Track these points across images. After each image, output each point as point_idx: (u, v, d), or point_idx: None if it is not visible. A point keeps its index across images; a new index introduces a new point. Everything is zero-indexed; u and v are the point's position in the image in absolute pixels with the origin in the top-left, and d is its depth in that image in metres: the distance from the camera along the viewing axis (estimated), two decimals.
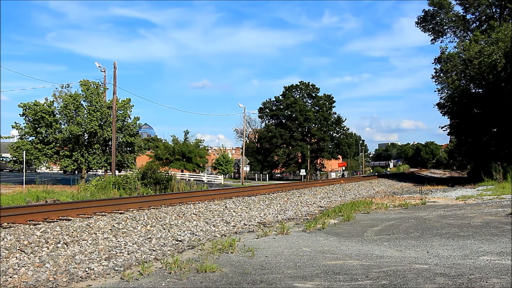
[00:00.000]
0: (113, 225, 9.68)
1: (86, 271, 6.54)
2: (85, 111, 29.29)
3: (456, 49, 38.83)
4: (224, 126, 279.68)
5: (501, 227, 9.83)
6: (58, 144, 29.33)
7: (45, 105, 28.91)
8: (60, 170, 33.12)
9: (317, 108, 69.67)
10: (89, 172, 32.12)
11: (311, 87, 70.55)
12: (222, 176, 53.77)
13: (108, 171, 29.07)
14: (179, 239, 9.39)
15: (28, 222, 9.49)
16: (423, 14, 43.82)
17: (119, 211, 11.69)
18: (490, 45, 29.88)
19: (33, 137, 29.08)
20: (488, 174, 26.65)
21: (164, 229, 10.22)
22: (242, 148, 54.06)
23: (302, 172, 58.31)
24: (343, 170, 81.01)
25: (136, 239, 8.92)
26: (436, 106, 40.57)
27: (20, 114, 28.71)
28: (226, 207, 14.13)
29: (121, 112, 30.57)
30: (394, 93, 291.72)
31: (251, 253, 7.45)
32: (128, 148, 32.09)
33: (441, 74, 40.71)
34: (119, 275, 6.25)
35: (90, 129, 28.54)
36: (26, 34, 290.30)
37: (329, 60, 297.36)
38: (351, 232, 10.07)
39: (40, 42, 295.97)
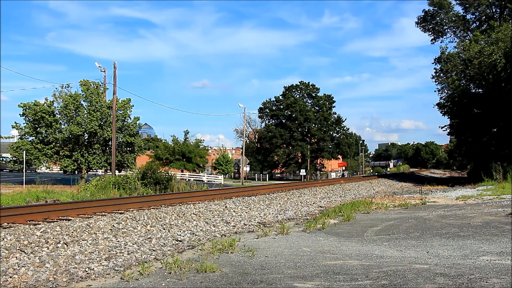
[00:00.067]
0: (113, 225, 9.68)
1: (86, 271, 6.54)
2: (85, 111, 29.29)
3: (456, 49, 38.89)
4: (224, 126, 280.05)
5: (501, 227, 9.83)
6: (58, 144, 29.33)
7: (45, 105, 28.91)
8: (60, 170, 33.13)
9: (317, 108, 69.68)
10: (89, 172, 32.13)
11: (311, 87, 70.56)
12: (222, 176, 53.77)
13: (108, 171, 29.07)
14: (179, 239, 9.39)
15: (28, 222, 9.49)
16: (423, 14, 43.84)
17: (119, 211, 11.69)
18: (490, 45, 29.88)
19: (33, 137, 29.08)
20: (488, 174, 26.65)
21: (164, 229, 10.22)
22: (242, 148, 54.07)
23: (302, 172, 58.31)
24: (343, 170, 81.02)
25: (136, 239, 8.92)
26: (436, 106, 40.64)
27: (20, 114, 28.75)
28: (226, 207, 14.13)
29: (121, 112, 30.58)
30: (394, 93, 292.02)
31: (251, 253, 7.45)
32: (128, 148, 32.10)
33: (441, 74, 40.72)
34: (119, 275, 6.25)
35: (90, 129, 28.54)
36: (26, 34, 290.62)
37: (329, 60, 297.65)
38: (351, 232, 10.07)
39: (40, 42, 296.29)
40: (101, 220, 9.92)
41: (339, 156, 79.66)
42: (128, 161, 31.30)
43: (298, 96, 69.89)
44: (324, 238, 9.22)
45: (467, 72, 34.37)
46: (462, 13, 41.90)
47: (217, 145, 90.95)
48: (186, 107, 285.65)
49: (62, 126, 29.26)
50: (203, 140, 57.39)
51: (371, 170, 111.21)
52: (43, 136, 28.91)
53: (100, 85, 30.67)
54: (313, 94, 70.58)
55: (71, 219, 9.96)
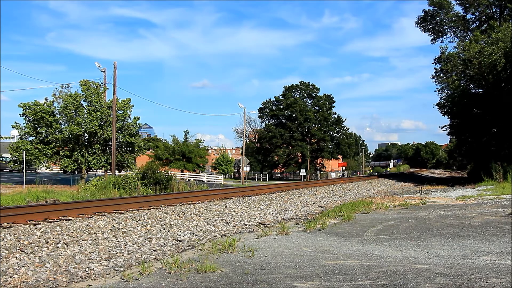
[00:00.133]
0: (113, 225, 9.68)
1: (86, 271, 6.54)
2: (85, 111, 29.30)
3: (456, 49, 38.90)
4: (224, 126, 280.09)
5: (501, 227, 9.83)
6: (58, 144, 29.34)
7: (45, 105, 28.92)
8: (60, 170, 33.13)
9: (317, 108, 69.68)
10: (89, 172, 32.12)
11: (311, 87, 70.57)
12: (222, 176, 53.77)
13: (108, 171, 29.07)
14: (179, 239, 9.39)
15: (28, 222, 9.49)
16: (423, 14, 43.84)
17: (119, 211, 11.69)
18: (490, 45, 29.88)
19: (33, 137, 29.09)
20: (488, 174, 26.65)
21: (164, 229, 10.22)
22: (242, 148, 54.06)
23: (302, 172, 58.31)
24: (343, 170, 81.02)
25: (136, 239, 8.92)
26: (436, 106, 40.64)
27: (20, 114, 28.76)
28: (226, 207, 14.13)
29: (121, 112, 30.58)
30: (394, 93, 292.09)
31: (251, 253, 7.45)
32: (128, 148, 32.10)
33: (441, 74, 40.72)
34: (119, 275, 6.25)
35: (90, 129, 28.54)
36: (26, 34, 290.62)
37: (329, 60, 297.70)
38: (351, 232, 10.07)
39: (40, 42, 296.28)
40: (101, 220, 9.92)
41: (339, 156, 79.66)
42: (128, 161, 31.30)
43: (298, 96, 69.89)
44: (324, 238, 9.22)
45: (467, 72, 34.38)
46: (462, 13, 41.93)
47: (217, 145, 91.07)
48: (186, 107, 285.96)
49: (62, 126, 29.27)
50: (203, 140, 57.48)
51: (371, 170, 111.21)
52: (43, 136, 28.91)
53: (100, 85, 30.68)
54: (313, 94, 70.59)
55: (71, 219, 9.96)
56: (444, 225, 10.60)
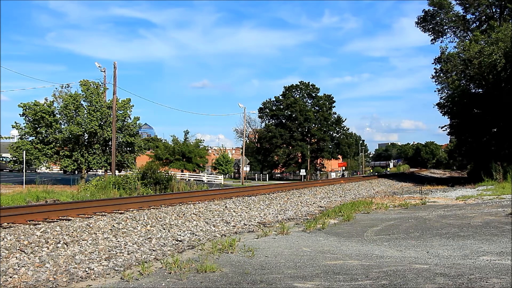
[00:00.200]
0: (113, 225, 9.68)
1: (86, 271, 6.54)
2: (85, 111, 29.30)
3: (456, 49, 38.90)
4: (224, 126, 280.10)
5: (501, 227, 9.83)
6: (58, 144, 29.34)
7: (45, 105, 28.92)
8: (60, 170, 33.13)
9: (317, 108, 69.68)
10: (89, 172, 32.13)
11: (311, 87, 70.56)
12: (222, 176, 53.77)
13: (108, 171, 29.07)
14: (179, 239, 9.39)
15: (28, 222, 9.49)
16: (423, 14, 43.83)
17: (119, 211, 11.69)
18: (490, 45, 29.88)
19: (33, 137, 29.09)
20: (488, 174, 26.65)
21: (164, 229, 10.22)
22: (242, 148, 54.06)
23: (302, 172, 58.31)
24: (343, 170, 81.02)
25: (136, 239, 8.92)
26: (436, 106, 40.64)
27: (20, 114, 28.76)
28: (226, 207, 14.13)
29: (121, 112, 30.58)
30: (394, 93, 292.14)
31: (251, 253, 7.45)
32: (128, 148, 32.10)
33: (441, 74, 40.71)
34: (119, 275, 6.25)
35: (90, 129, 28.54)
36: (26, 34, 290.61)
37: (329, 60, 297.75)
38: (351, 232, 10.07)
39: (40, 42, 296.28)
40: (101, 220, 9.92)
41: (339, 156, 79.66)
42: (128, 161, 31.30)
43: (298, 96, 69.89)
44: (324, 238, 9.22)
45: (467, 72, 34.37)
46: (462, 13, 41.93)
47: (217, 145, 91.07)
48: (186, 107, 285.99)
49: (62, 126, 29.27)
50: (203, 140, 57.48)
51: (371, 170, 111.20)
52: (43, 136, 28.91)
53: (100, 85, 30.68)
54: (313, 94, 70.58)
55: (71, 219, 9.96)
56: (444, 225, 10.60)
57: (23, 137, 29.29)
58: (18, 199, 15.81)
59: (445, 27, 43.30)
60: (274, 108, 69.77)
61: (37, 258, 6.97)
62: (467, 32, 42.05)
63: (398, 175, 56.36)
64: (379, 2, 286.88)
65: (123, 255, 7.62)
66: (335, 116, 70.28)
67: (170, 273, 6.16)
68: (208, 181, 44.71)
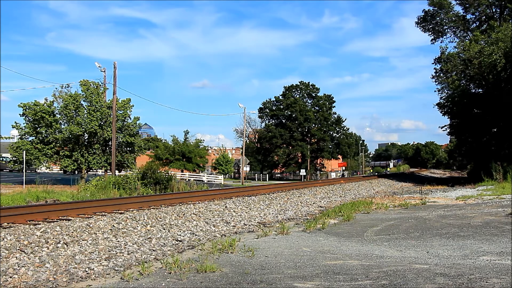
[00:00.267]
0: (113, 225, 9.68)
1: (86, 271, 6.54)
2: (85, 111, 29.30)
3: (456, 49, 38.90)
4: (224, 126, 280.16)
5: (501, 227, 9.83)
6: (58, 144, 29.34)
7: (45, 105, 28.92)
8: (60, 170, 33.13)
9: (317, 108, 69.68)
10: (89, 172, 32.12)
11: (311, 87, 70.56)
12: (222, 176, 53.77)
13: (108, 171, 29.07)
14: (179, 239, 9.39)
15: (28, 222, 9.49)
16: (423, 14, 43.83)
17: (119, 211, 11.69)
18: (490, 45, 29.88)
19: (33, 137, 29.09)
20: (488, 174, 26.65)
21: (164, 229, 10.22)
22: (242, 148, 54.06)
23: (302, 172, 58.31)
24: (343, 170, 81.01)
25: (136, 239, 8.92)
26: (436, 106, 40.64)
27: (20, 114, 28.77)
28: (226, 207, 14.13)
29: (121, 112, 30.58)
30: (394, 93, 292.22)
31: (251, 253, 7.45)
32: (128, 148, 32.10)
33: (441, 74, 40.71)
34: (119, 275, 6.25)
35: (90, 129, 28.54)
36: (26, 34, 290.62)
37: (329, 60, 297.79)
38: (351, 232, 10.07)
39: (40, 42, 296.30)
40: (101, 220, 9.92)
41: (339, 156, 79.66)
42: (128, 161, 31.30)
43: (298, 96, 69.90)
44: (324, 238, 9.22)
45: (467, 72, 34.37)
46: (462, 13, 41.93)
47: (217, 145, 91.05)
48: (186, 107, 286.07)
49: (62, 126, 29.27)
50: (203, 140, 57.49)
51: (371, 170, 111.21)
52: (43, 136, 28.91)
53: (100, 85, 30.69)
54: (313, 94, 70.59)
55: (71, 219, 9.96)
56: (444, 225, 10.60)
57: (23, 137, 29.29)
58: (18, 199, 15.81)
59: (445, 27, 43.31)
60: (274, 108, 69.77)
61: (37, 258, 6.96)
62: (467, 32, 42.05)
63: (398, 175, 56.36)
64: (379, 2, 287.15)
65: (123, 255, 7.62)
66: (335, 116, 70.34)
67: (170, 273, 6.16)
68: (208, 181, 44.71)
